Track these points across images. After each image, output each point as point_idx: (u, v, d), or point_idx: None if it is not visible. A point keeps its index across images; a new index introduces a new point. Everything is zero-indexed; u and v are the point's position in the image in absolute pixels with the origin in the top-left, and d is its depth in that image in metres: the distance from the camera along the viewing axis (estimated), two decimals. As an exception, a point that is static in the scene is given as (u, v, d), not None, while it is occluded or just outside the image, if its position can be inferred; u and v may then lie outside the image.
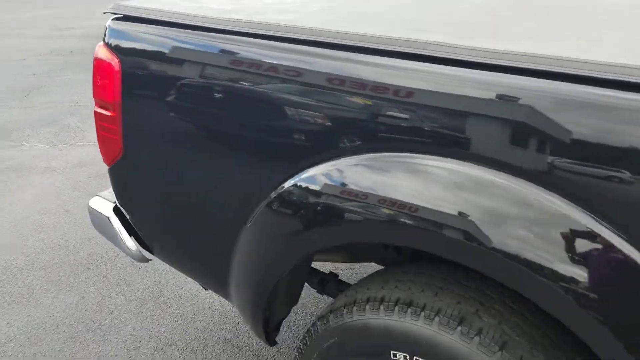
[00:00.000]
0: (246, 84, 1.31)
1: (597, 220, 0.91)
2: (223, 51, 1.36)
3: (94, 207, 1.87)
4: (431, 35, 1.14)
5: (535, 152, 0.96)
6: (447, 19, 1.31)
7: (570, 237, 0.93)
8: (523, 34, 1.16)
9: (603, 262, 0.92)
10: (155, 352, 2.23)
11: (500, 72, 1.00)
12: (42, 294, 2.59)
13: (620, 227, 0.90)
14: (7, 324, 2.40)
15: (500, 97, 0.99)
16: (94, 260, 2.86)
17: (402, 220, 1.08)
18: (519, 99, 0.97)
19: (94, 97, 1.67)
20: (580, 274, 0.92)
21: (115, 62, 1.57)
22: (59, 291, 2.62)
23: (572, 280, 0.93)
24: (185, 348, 2.26)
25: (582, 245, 0.92)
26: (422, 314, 1.14)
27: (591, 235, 0.91)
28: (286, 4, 1.60)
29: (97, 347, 2.26)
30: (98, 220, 1.87)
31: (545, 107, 0.95)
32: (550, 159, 0.94)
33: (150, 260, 1.86)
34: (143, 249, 1.82)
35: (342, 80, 1.16)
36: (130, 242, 1.81)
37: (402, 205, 1.08)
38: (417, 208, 1.06)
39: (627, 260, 0.89)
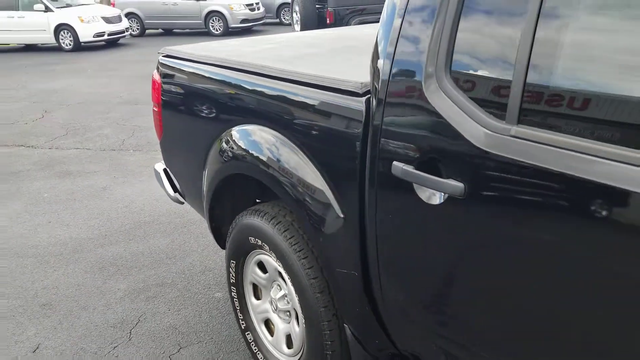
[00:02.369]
0: (213, 91, 2.42)
1: (296, 145, 1.87)
2: (208, 74, 2.47)
3: (155, 168, 3.10)
4: (275, 63, 2.16)
5: (284, 118, 1.94)
6: (285, 55, 2.31)
7: (287, 152, 1.90)
8: (302, 62, 2.14)
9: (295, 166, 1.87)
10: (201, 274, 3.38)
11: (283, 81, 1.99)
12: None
13: (304, 147, 1.84)
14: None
15: (277, 93, 1.99)
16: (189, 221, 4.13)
17: (244, 158, 2.11)
18: (287, 95, 1.96)
19: (151, 100, 2.91)
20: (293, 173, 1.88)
21: (158, 80, 2.79)
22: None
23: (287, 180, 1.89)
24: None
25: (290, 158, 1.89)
26: (272, 220, 2.11)
27: (293, 151, 1.87)
28: (253, 53, 2.69)
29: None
30: (156, 176, 3.09)
31: (289, 97, 1.93)
32: (299, 121, 1.92)
33: (183, 203, 3.03)
34: (177, 194, 2.99)
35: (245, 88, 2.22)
36: (170, 190, 2.99)
37: (245, 150, 2.11)
38: (259, 157, 2.07)
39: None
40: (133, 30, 17.38)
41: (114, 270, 3.47)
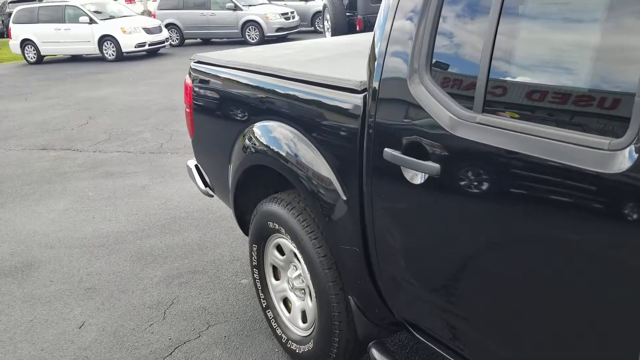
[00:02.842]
0: (237, 92, 2.70)
1: (306, 138, 2.12)
2: (233, 77, 2.75)
3: (187, 164, 3.40)
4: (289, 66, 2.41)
5: (296, 114, 2.20)
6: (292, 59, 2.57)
7: (298, 147, 2.15)
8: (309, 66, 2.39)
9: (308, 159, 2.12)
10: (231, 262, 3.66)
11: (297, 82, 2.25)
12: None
13: (314, 140, 2.09)
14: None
15: (289, 92, 2.25)
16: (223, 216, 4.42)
17: (271, 155, 2.36)
18: (297, 94, 2.22)
19: (184, 102, 3.20)
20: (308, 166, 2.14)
21: (190, 84, 3.08)
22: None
23: (301, 168, 2.14)
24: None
25: (304, 152, 2.14)
26: (287, 205, 2.37)
27: (304, 143, 2.13)
28: (269, 58, 2.96)
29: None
30: (188, 171, 3.39)
31: (299, 96, 2.18)
32: (308, 116, 2.17)
33: (213, 196, 3.31)
34: (207, 188, 3.28)
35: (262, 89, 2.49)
36: (200, 184, 3.28)
37: (267, 145, 2.37)
38: (276, 150, 2.32)
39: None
40: (173, 41, 17.96)
41: (151, 260, 3.78)
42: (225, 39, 18.16)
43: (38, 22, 16.13)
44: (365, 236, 1.99)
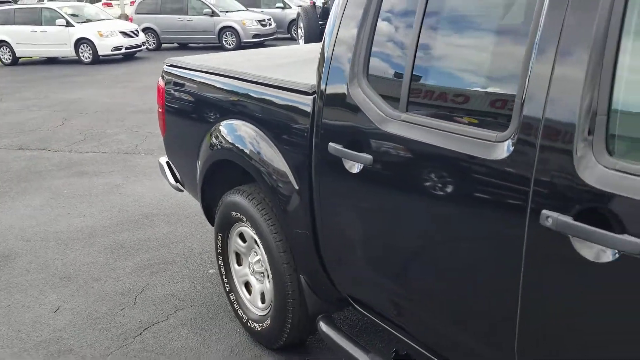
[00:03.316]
0: (205, 94, 2.95)
1: (267, 136, 2.38)
2: (201, 79, 3.00)
3: (159, 161, 3.63)
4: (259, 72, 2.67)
5: (256, 113, 2.46)
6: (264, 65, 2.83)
7: (265, 145, 2.41)
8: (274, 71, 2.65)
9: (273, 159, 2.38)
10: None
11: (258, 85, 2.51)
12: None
13: (272, 137, 2.36)
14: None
15: (255, 94, 2.51)
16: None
17: (234, 150, 2.61)
18: (257, 96, 2.48)
19: (157, 103, 3.45)
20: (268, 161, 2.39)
21: (162, 85, 3.32)
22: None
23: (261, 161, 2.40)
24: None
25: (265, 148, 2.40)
26: (249, 196, 2.62)
27: (263, 140, 2.39)
28: (241, 62, 3.22)
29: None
30: (160, 167, 3.62)
31: (272, 100, 2.45)
32: (266, 116, 2.43)
33: (182, 191, 3.55)
34: (178, 183, 3.52)
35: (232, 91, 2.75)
36: (171, 179, 3.51)
37: (235, 145, 2.62)
38: (237, 146, 2.58)
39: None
40: (149, 45, 18.08)
41: (124, 252, 4.00)
42: (202, 44, 18.33)
43: (14, 24, 16.14)
44: (314, 221, 2.25)
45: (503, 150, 1.46)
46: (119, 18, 21.93)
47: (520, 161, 1.42)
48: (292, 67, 2.80)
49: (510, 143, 1.44)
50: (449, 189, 1.63)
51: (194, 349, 2.85)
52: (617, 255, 1.23)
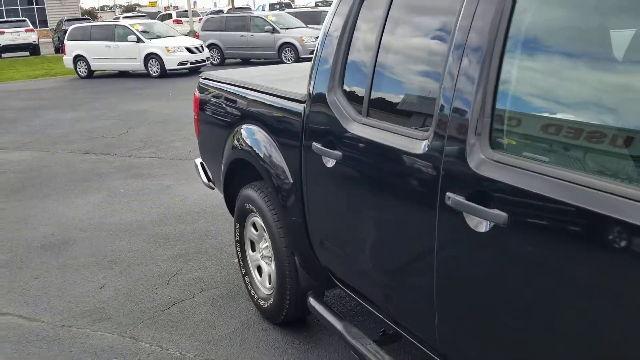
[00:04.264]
0: (230, 102, 3.43)
1: (270, 136, 2.82)
2: (227, 89, 3.48)
3: (195, 162, 4.14)
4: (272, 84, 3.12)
5: (264, 118, 2.90)
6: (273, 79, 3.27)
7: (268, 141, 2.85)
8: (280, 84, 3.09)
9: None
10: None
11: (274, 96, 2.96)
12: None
13: (274, 137, 2.79)
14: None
15: (268, 104, 2.96)
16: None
17: (247, 150, 3.07)
18: (273, 104, 2.93)
19: (193, 110, 3.95)
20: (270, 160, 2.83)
21: (197, 95, 3.83)
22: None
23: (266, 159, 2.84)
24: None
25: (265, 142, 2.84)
26: (258, 190, 3.06)
27: (268, 140, 2.83)
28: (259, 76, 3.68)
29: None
30: (195, 167, 4.12)
31: (275, 106, 2.89)
32: (270, 120, 2.88)
33: (214, 189, 4.03)
34: (210, 182, 4.00)
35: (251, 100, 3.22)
36: (204, 178, 4.01)
37: (249, 145, 3.07)
38: (250, 146, 3.03)
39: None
40: (214, 60, 19.03)
41: (164, 242, 4.52)
42: (262, 59, 19.12)
43: (90, 40, 17.42)
44: (304, 209, 2.66)
45: (425, 145, 1.83)
46: (187, 34, 23.14)
47: (435, 154, 1.79)
48: (299, 81, 3.23)
49: (429, 140, 1.81)
50: (393, 178, 2.01)
51: (211, 322, 3.30)
52: (491, 225, 1.59)
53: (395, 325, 2.27)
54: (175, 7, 64.95)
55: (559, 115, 1.54)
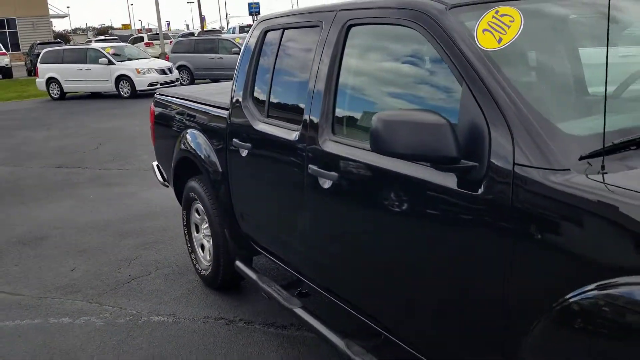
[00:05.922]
0: (177, 112, 4.21)
1: (207, 137, 3.61)
2: (175, 102, 4.28)
3: (152, 164, 4.90)
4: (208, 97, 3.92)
5: (202, 123, 3.70)
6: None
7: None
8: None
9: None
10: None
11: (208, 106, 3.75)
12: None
13: (208, 138, 3.58)
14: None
15: (207, 113, 3.76)
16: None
17: (190, 151, 3.86)
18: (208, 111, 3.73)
19: (149, 120, 4.73)
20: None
21: (153, 108, 4.60)
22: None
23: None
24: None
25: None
26: (199, 182, 3.84)
27: (204, 141, 3.62)
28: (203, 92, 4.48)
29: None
30: (152, 169, 4.88)
31: (209, 114, 3.69)
32: (206, 125, 3.67)
33: (168, 186, 4.78)
34: (164, 181, 4.76)
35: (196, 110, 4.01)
36: (160, 177, 4.77)
37: (192, 147, 3.86)
38: (193, 147, 3.82)
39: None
40: (183, 81, 19.79)
41: (128, 235, 5.26)
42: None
43: (63, 62, 18.08)
44: (229, 192, 3.45)
45: (296, 135, 2.64)
46: (159, 57, 23.89)
47: (301, 142, 2.60)
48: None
49: (299, 131, 2.63)
50: (280, 158, 2.82)
51: (162, 290, 4.05)
52: (330, 183, 2.39)
53: (298, 274, 3.06)
54: (149, 30, 65.73)
55: (364, 113, 2.37)
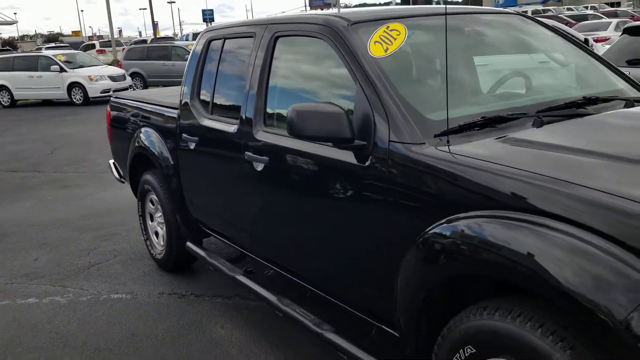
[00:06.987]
0: (132, 113, 4.66)
1: (159, 134, 4.08)
2: (131, 104, 4.72)
3: (109, 162, 5.32)
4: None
5: (156, 123, 4.17)
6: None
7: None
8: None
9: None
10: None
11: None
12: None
13: (162, 136, 4.06)
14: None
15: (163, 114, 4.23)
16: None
17: (144, 147, 4.32)
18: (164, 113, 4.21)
19: (106, 121, 5.16)
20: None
21: (109, 110, 5.03)
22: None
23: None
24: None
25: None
26: (152, 174, 4.32)
27: (158, 138, 4.10)
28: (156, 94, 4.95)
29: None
30: (109, 167, 5.30)
31: (161, 114, 4.16)
32: (159, 124, 4.15)
33: (124, 182, 5.21)
34: (121, 178, 5.19)
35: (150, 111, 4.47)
36: (116, 174, 5.20)
37: (145, 143, 4.33)
38: (146, 144, 4.28)
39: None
40: (136, 87, 19.96)
41: (86, 230, 5.65)
42: (183, 87, 20.19)
43: (13, 70, 18.06)
44: (180, 182, 3.93)
45: (235, 128, 3.16)
46: (111, 64, 23.98)
47: (239, 133, 3.12)
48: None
49: (237, 125, 3.14)
50: (222, 148, 3.33)
51: (121, 273, 4.49)
52: (262, 166, 2.92)
53: (242, 248, 3.56)
54: (100, 37, 64.92)
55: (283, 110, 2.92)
